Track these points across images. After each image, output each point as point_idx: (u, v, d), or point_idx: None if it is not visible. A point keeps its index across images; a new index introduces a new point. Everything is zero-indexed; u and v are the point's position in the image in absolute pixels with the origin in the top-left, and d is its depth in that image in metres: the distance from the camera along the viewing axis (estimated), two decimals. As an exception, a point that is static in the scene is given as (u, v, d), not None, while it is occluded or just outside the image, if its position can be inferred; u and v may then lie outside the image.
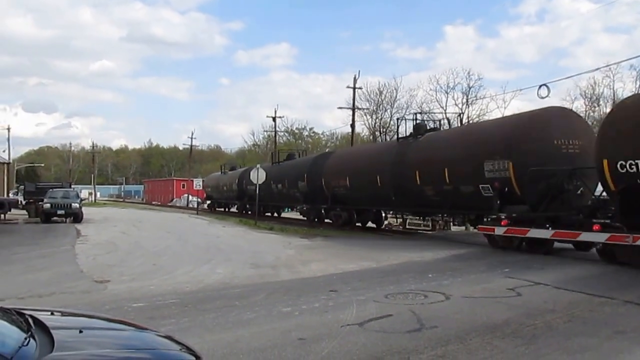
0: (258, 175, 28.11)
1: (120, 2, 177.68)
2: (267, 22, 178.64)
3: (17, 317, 3.46)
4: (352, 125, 41.53)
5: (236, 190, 41.43)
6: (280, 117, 58.53)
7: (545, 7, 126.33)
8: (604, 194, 13.37)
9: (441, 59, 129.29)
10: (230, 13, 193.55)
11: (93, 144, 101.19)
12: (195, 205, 50.17)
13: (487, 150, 16.37)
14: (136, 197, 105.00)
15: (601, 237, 12.48)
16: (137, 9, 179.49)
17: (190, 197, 61.06)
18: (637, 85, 42.27)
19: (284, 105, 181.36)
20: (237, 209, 44.93)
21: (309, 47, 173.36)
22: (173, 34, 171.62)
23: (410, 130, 22.43)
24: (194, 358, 3.46)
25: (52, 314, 3.93)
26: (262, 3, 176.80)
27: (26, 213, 33.79)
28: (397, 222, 27.21)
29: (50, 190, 31.95)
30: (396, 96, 53.19)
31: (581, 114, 32.71)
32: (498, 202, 15.68)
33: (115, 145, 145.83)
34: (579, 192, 14.64)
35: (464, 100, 47.04)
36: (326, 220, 28.62)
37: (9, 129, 59.73)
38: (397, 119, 26.08)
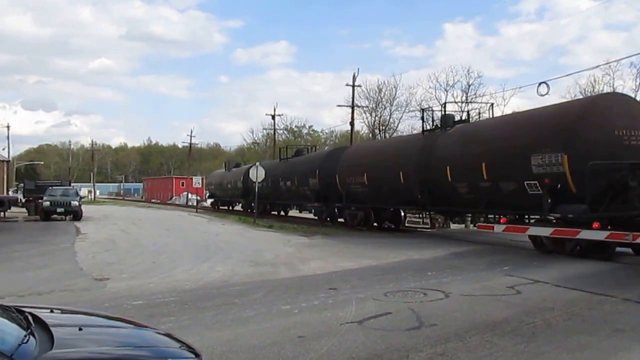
0: (257, 173, 28.05)
1: (119, 0, 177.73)
2: (266, 20, 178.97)
3: (16, 314, 3.46)
4: (352, 123, 41.48)
5: (241, 188, 40.55)
6: (279, 115, 58.42)
7: (544, 5, 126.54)
8: None
9: (440, 57, 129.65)
10: (229, 11, 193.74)
11: (92, 142, 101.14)
12: (195, 203, 50.12)
13: (535, 142, 14.32)
14: (135, 195, 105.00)
15: (601, 235, 12.43)
16: (136, 7, 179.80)
17: (189, 195, 61.01)
18: (638, 83, 42.20)
19: (283, 103, 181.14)
20: (241, 207, 43.84)
21: (308, 45, 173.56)
22: (172, 32, 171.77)
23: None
24: (193, 356, 3.46)
25: (51, 311, 3.93)
26: (260, 1, 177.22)
27: (26, 211, 33.78)
28: (422, 222, 25.89)
29: (50, 188, 31.93)
30: (395, 94, 53.09)
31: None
32: (549, 200, 13.71)
33: (114, 143, 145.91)
34: None
35: (464, 98, 47.05)
36: (339, 220, 27.07)
37: (8, 127, 59.95)
38: (422, 110, 23.35)
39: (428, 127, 20.72)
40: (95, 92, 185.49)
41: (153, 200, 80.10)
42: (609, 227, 12.69)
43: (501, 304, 8.32)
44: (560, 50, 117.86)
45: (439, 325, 6.93)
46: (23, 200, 35.51)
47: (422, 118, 21.50)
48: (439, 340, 6.29)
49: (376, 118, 54.24)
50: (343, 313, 7.63)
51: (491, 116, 20.11)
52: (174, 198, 75.09)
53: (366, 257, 14.07)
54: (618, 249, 13.37)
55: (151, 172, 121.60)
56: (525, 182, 14.47)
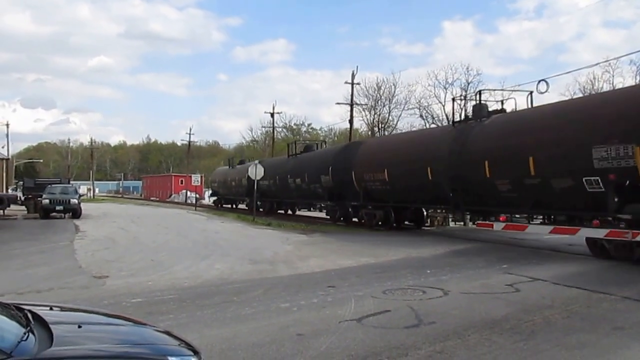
0: (256, 171, 28.00)
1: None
2: (264, 18, 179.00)
3: (16, 312, 3.46)
4: (351, 121, 41.51)
5: (245, 186, 38.36)
6: (278, 113, 58.44)
7: (543, 3, 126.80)
8: None
9: (439, 55, 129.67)
10: (227, 9, 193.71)
11: (91, 140, 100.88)
12: (194, 201, 50.07)
13: (598, 132, 12.58)
14: (134, 193, 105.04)
15: (600, 233, 12.43)
16: (135, 5, 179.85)
17: (188, 193, 60.96)
18: (637, 81, 42.17)
19: (282, 101, 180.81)
20: (246, 205, 41.34)
21: (307, 43, 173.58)
22: (171, 30, 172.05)
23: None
24: (192, 353, 3.46)
25: (51, 309, 3.94)
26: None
27: (25, 209, 33.79)
28: (455, 223, 24.33)
29: (49, 186, 31.90)
30: (394, 92, 53.11)
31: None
32: (615, 199, 12.25)
33: (113, 141, 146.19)
34: None
35: (463, 96, 47.01)
36: (353, 220, 25.42)
37: (7, 125, 59.75)
38: (453, 99, 20.42)
39: (458, 119, 18.67)
40: (94, 90, 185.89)
41: (152, 198, 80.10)
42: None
43: (500, 302, 8.32)
44: (559, 47, 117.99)
45: (438, 323, 6.93)
46: (22, 198, 35.50)
47: (453, 108, 19.34)
48: (438, 338, 6.29)
49: (375, 116, 54.29)
50: (342, 311, 7.64)
51: (529, 106, 17.79)
52: (173, 196, 75.09)
53: (365, 255, 14.07)
54: None
55: (150, 170, 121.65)
56: (584, 178, 12.79)
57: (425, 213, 24.01)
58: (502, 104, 18.49)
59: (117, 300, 8.41)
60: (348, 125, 42.42)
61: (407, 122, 53.90)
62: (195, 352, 3.50)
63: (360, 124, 56.87)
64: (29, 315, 3.42)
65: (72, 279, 10.47)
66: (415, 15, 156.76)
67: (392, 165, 20.90)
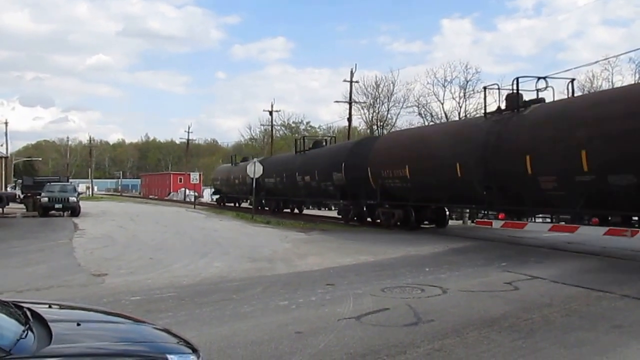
0: (255, 170, 27.98)
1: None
2: (263, 16, 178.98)
3: (15, 310, 3.46)
4: (349, 119, 41.56)
5: (249, 184, 38.64)
6: (277, 111, 58.43)
7: (542, 1, 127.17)
8: None
9: (438, 53, 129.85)
10: (226, 7, 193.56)
11: (90, 138, 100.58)
12: (193, 199, 50.02)
13: None
14: (133, 191, 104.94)
15: (599, 232, 12.43)
16: (134, 3, 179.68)
17: (187, 191, 60.89)
18: (636, 79, 42.19)
19: (280, 99, 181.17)
20: (250, 203, 39.28)
21: (305, 41, 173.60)
22: (169, 28, 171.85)
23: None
24: (191, 351, 3.46)
25: (50, 307, 3.94)
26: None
27: (24, 207, 33.79)
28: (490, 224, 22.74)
29: (48, 184, 31.90)
30: (393, 90, 53.05)
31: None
32: None
33: (112, 139, 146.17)
34: None
35: (462, 94, 47.04)
36: (368, 219, 24.13)
37: (6, 123, 59.82)
38: (484, 88, 18.37)
39: (491, 110, 17.10)
40: (93, 88, 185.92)
41: (151, 197, 79.99)
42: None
43: (499, 300, 8.33)
44: (558, 46, 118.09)
45: (437, 321, 6.93)
46: (21, 196, 35.52)
47: (485, 97, 17.71)
48: (437, 336, 6.30)
49: (374, 114, 54.28)
50: (340, 309, 7.64)
51: (569, 95, 16.33)
52: (171, 194, 75.09)
53: (364, 253, 14.07)
54: None
55: (149, 168, 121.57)
56: None
57: (447, 212, 22.75)
58: (538, 93, 16.39)
59: (116, 298, 8.40)
60: (347, 123, 42.51)
61: (406, 120, 53.67)
62: (194, 350, 3.50)
63: (359, 122, 56.92)
64: (28, 313, 3.42)
65: (71, 277, 10.46)
66: (414, 13, 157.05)
67: (414, 161, 19.38)
